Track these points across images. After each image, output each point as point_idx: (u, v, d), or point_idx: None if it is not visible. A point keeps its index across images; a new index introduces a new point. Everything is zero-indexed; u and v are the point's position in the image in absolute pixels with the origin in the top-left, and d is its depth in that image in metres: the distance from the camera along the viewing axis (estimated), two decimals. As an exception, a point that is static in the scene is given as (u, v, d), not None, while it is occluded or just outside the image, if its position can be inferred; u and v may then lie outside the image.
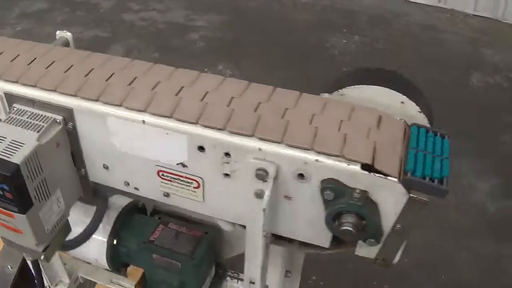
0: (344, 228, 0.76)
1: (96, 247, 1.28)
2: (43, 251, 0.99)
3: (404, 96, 0.89)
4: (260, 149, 0.78)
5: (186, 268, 1.19)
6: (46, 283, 1.42)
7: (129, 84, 0.89)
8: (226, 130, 0.79)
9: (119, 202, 1.27)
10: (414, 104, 0.89)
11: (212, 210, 0.94)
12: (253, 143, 0.78)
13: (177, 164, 0.87)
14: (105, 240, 1.24)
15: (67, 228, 1.07)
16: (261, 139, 0.77)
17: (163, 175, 0.91)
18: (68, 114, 0.91)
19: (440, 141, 0.81)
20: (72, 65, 0.95)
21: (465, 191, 2.79)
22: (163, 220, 1.26)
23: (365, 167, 0.74)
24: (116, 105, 0.85)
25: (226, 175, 0.84)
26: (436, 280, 2.35)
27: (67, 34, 1.13)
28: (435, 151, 0.79)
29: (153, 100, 0.84)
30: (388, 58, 3.85)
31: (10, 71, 0.95)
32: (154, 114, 0.83)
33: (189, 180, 0.89)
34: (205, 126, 0.80)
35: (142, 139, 0.87)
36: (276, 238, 0.95)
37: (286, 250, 1.15)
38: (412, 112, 0.90)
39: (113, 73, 0.92)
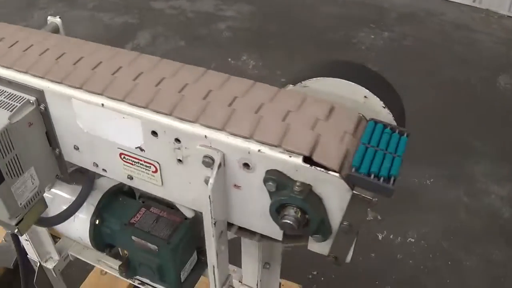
0: (284, 221, 0.76)
1: (80, 225, 1.31)
2: (16, 224, 1.03)
3: (367, 91, 0.87)
4: (206, 136, 0.78)
5: (163, 252, 1.21)
6: (36, 259, 1.47)
7: (93, 68, 0.90)
8: (173, 116, 0.79)
9: (105, 184, 1.31)
10: (378, 99, 0.87)
11: (171, 194, 0.95)
12: (199, 130, 0.78)
13: (136, 148, 0.89)
14: (89, 218, 1.28)
15: (42, 204, 1.10)
16: (205, 125, 0.77)
17: (124, 158, 0.93)
18: (40, 95, 0.93)
19: (397, 138, 0.80)
20: (47, 49, 0.98)
21: (479, 194, 2.71)
22: (146, 204, 1.29)
23: (308, 159, 0.73)
24: (78, 88, 0.87)
25: (179, 160, 0.85)
26: (441, 285, 2.31)
27: (57, 20, 1.16)
28: (388, 148, 0.78)
29: (111, 84, 0.86)
30: (415, 56, 3.77)
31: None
32: (110, 98, 0.84)
33: (148, 164, 0.90)
34: (155, 111, 0.81)
35: (104, 122, 0.88)
36: (240, 229, 0.95)
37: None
38: (376, 107, 0.88)
39: (81, 57, 0.94)
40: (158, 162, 0.89)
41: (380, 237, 2.49)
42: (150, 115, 0.81)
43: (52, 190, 1.30)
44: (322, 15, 4.35)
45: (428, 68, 3.65)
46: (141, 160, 0.90)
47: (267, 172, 0.76)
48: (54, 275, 1.46)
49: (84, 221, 1.28)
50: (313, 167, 0.73)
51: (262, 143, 0.74)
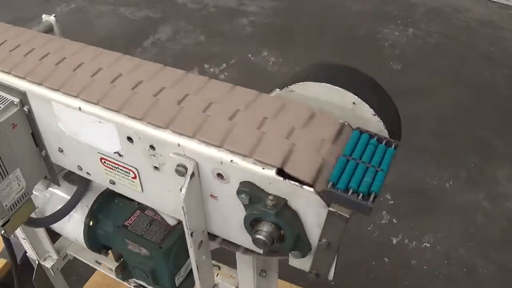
0: (257, 236, 0.72)
1: (74, 226, 1.30)
2: (3, 225, 1.02)
3: (356, 97, 0.82)
4: (179, 144, 0.75)
5: (155, 256, 1.18)
6: (35, 257, 1.47)
7: (74, 70, 0.88)
8: (145, 121, 0.76)
9: (101, 185, 1.29)
10: (367, 106, 0.82)
11: (152, 202, 0.92)
12: (171, 137, 0.75)
13: (114, 152, 0.86)
14: (83, 220, 1.26)
15: (30, 206, 1.09)
16: (176, 132, 0.74)
17: (105, 162, 0.90)
18: (23, 97, 0.91)
19: (382, 150, 0.75)
20: (33, 49, 0.96)
21: (500, 198, 2.61)
22: (141, 206, 1.26)
23: (282, 172, 0.69)
24: (56, 90, 0.85)
25: (156, 168, 0.82)
26: (456, 292, 2.23)
27: (51, 18, 1.14)
28: (372, 161, 0.73)
29: (88, 87, 0.83)
30: (440, 53, 3.66)
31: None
32: (86, 101, 0.81)
33: (127, 170, 0.87)
34: (128, 116, 0.78)
35: (83, 126, 0.86)
36: (224, 240, 0.91)
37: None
38: (365, 114, 0.82)
39: (64, 58, 0.91)
40: (136, 168, 0.86)
41: (394, 241, 2.42)
42: (123, 119, 0.78)
43: (50, 189, 1.30)
44: (348, 10, 4.27)
45: (452, 66, 3.54)
46: (120, 166, 0.88)
47: (241, 183, 0.73)
48: (53, 273, 1.45)
49: (78, 222, 1.27)
50: (286, 180, 0.68)
51: (233, 152, 0.71)
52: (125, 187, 0.92)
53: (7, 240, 1.24)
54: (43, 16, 1.16)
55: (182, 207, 0.76)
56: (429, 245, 2.40)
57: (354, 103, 0.82)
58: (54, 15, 1.15)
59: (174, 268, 1.23)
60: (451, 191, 2.66)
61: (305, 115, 0.76)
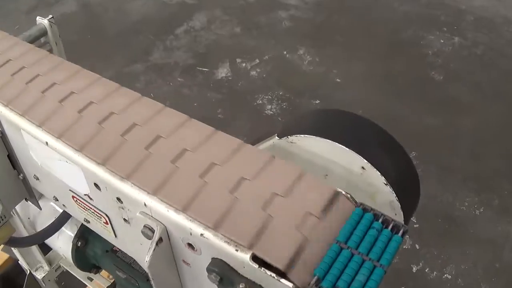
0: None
1: (63, 244, 1.24)
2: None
3: (365, 161, 0.69)
4: (145, 204, 0.64)
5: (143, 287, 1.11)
6: (26, 267, 1.40)
7: (43, 91, 0.77)
8: (106, 167, 0.66)
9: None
10: (378, 173, 0.69)
11: (126, 249, 0.83)
12: (137, 193, 0.64)
13: (85, 195, 0.76)
14: (71, 239, 1.19)
15: (8, 229, 1.01)
16: (137, 186, 0.63)
17: (77, 201, 0.80)
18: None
19: (387, 237, 0.61)
20: (9, 60, 0.86)
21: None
22: (133, 230, 1.18)
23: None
24: (21, 115, 0.75)
25: (126, 220, 0.72)
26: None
27: (45, 22, 1.04)
28: (371, 252, 0.60)
29: (53, 115, 0.73)
30: (484, 67, 3.43)
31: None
32: (48, 133, 0.71)
33: (98, 214, 0.78)
34: (89, 158, 0.67)
35: (53, 160, 0.76)
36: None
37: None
38: (376, 183, 0.70)
39: (37, 75, 0.81)
40: (107, 215, 0.76)
41: (414, 269, 2.27)
42: (87, 162, 0.68)
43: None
44: (394, 11, 4.06)
45: (496, 82, 3.31)
46: (91, 208, 0.78)
47: (213, 260, 0.62)
48: (43, 285, 1.38)
49: (67, 240, 1.20)
50: (262, 269, 0.57)
51: (197, 221, 0.59)
52: (99, 229, 0.82)
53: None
54: (37, 18, 1.07)
55: (148, 274, 0.66)
56: (450, 276, 2.25)
57: (363, 167, 0.69)
58: (49, 17, 1.05)
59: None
60: (480, 220, 2.48)
61: (291, 177, 0.63)
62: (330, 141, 0.70)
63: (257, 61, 3.58)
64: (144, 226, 0.65)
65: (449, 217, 2.48)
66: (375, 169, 0.69)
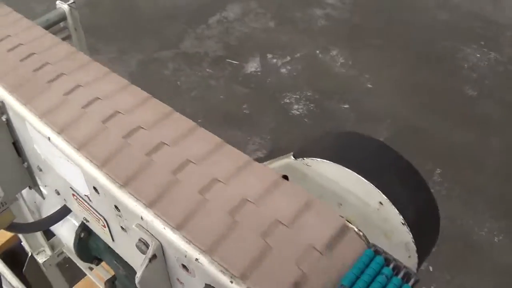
0: None
1: (67, 233, 1.21)
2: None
3: (384, 196, 0.64)
4: (142, 217, 0.60)
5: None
6: (28, 249, 1.38)
7: (49, 82, 0.74)
8: (104, 171, 0.62)
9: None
10: (396, 211, 0.64)
11: (123, 255, 0.79)
12: (134, 204, 0.60)
13: (84, 195, 0.72)
14: (75, 229, 1.17)
15: (9, 215, 0.98)
16: (133, 197, 0.59)
17: (77, 199, 0.77)
18: (2, 104, 0.79)
19: (396, 285, 0.56)
20: (20, 44, 0.83)
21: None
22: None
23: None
24: (23, 104, 0.72)
25: (123, 228, 0.68)
26: None
27: (65, 6, 1.01)
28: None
29: (56, 108, 0.69)
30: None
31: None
32: (49, 126, 0.68)
33: (97, 216, 0.74)
34: (88, 159, 0.63)
35: (54, 157, 0.73)
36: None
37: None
38: (392, 220, 0.64)
39: (46, 63, 0.77)
40: (105, 219, 0.72)
41: (425, 291, 2.20)
42: (86, 164, 0.64)
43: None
44: (433, 18, 3.94)
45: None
46: (90, 209, 0.74)
47: (206, 286, 0.57)
48: (44, 269, 1.37)
49: (70, 230, 1.18)
50: (255, 304, 0.52)
51: (190, 242, 0.55)
52: (98, 230, 0.79)
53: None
54: (57, 2, 1.03)
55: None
56: (461, 303, 2.17)
57: (381, 203, 0.64)
58: (70, 2, 1.01)
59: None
60: (498, 247, 2.39)
61: (298, 204, 0.59)
62: (348, 169, 0.65)
63: (288, 58, 3.52)
64: (139, 240, 0.61)
65: (467, 241, 2.40)
66: (393, 206, 0.63)
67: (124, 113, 0.68)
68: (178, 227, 0.57)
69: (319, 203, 0.60)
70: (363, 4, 4.13)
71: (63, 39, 0.93)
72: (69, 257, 1.47)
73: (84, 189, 0.71)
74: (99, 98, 0.70)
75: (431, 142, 2.79)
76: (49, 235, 1.35)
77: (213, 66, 3.42)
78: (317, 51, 3.61)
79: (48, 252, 1.36)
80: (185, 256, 0.57)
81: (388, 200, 0.63)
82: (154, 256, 0.60)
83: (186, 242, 0.56)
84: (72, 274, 1.58)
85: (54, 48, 0.80)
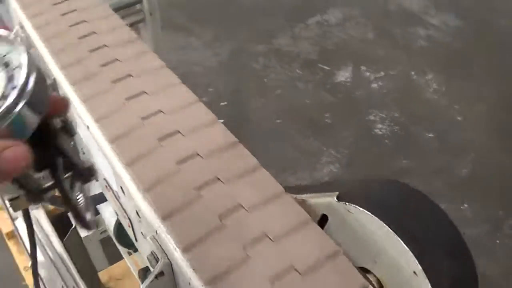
0: None
1: (109, 216, 1.23)
2: (10, 200, 0.95)
3: (420, 268, 0.56)
4: (156, 232, 0.56)
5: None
6: (72, 221, 1.40)
7: (103, 66, 0.72)
8: (130, 171, 0.59)
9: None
10: (429, 285, 0.56)
11: (145, 259, 0.76)
12: (151, 215, 0.57)
13: (115, 190, 0.70)
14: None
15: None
16: (151, 203, 0.56)
17: (109, 192, 0.75)
18: (54, 82, 0.79)
19: None
20: (83, 21, 0.82)
21: None
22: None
23: None
24: (71, 84, 0.71)
25: (143, 234, 0.65)
26: None
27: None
28: None
29: (99, 95, 0.67)
30: None
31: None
32: (88, 110, 0.66)
33: (124, 214, 0.72)
34: (117, 154, 0.61)
35: (92, 146, 0.71)
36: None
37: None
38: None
39: (103, 45, 0.76)
40: (130, 220, 0.69)
41: None
42: (114, 159, 0.61)
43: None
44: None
45: None
46: (119, 206, 0.72)
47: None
48: (83, 243, 1.38)
49: (113, 213, 1.18)
50: None
51: (196, 270, 0.51)
52: (125, 226, 0.77)
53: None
54: None
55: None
56: None
57: (415, 272, 0.56)
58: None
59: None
60: None
61: (321, 253, 0.52)
62: (390, 229, 0.58)
63: (382, 73, 3.39)
64: (151, 252, 0.58)
65: (487, 276, 2.18)
66: (427, 280, 0.56)
67: (166, 112, 0.65)
68: (184, 249, 0.52)
69: (344, 260, 0.54)
70: (468, 29, 3.89)
71: (136, 22, 0.92)
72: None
73: (114, 185, 0.69)
74: (145, 93, 0.68)
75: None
76: (96, 211, 1.37)
77: (304, 68, 3.36)
78: (412, 72, 3.44)
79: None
80: (189, 284, 0.53)
81: (424, 273, 0.56)
82: (161, 273, 0.57)
83: (194, 270, 0.52)
84: (117, 252, 1.60)
85: (117, 31, 0.78)
